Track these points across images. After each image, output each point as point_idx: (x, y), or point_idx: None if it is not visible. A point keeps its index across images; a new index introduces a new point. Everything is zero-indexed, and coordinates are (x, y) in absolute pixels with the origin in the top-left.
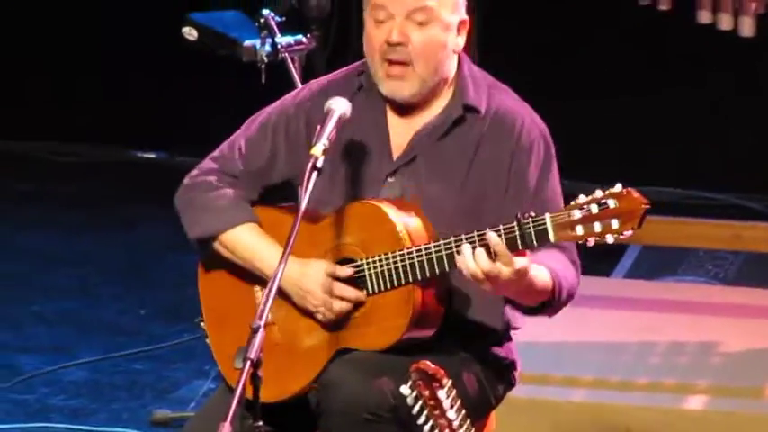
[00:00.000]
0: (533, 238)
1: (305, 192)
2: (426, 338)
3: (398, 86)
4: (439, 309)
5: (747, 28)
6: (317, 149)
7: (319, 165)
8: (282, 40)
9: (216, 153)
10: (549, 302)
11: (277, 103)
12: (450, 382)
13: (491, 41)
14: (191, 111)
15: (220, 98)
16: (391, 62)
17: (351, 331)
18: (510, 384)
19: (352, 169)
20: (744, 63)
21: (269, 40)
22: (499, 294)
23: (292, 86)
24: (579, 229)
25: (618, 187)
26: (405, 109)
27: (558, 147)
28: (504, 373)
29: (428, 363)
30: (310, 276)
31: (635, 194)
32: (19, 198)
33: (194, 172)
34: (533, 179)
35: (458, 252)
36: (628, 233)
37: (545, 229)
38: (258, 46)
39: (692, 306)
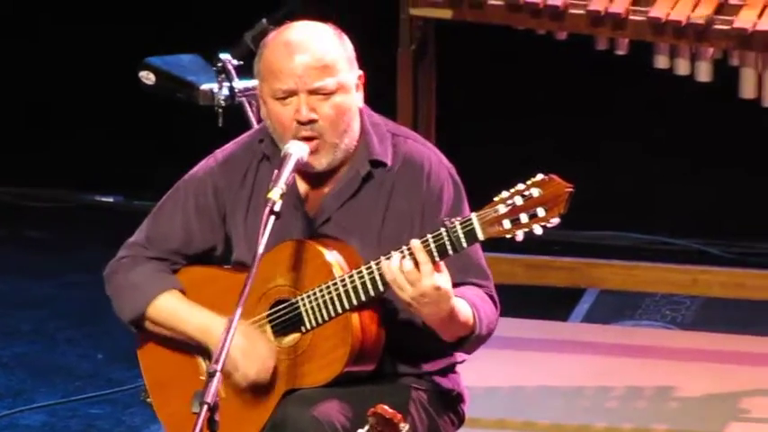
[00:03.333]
0: (462, 239)
1: (261, 236)
2: (369, 372)
3: (313, 160)
4: (378, 336)
5: (704, 73)
6: (275, 194)
7: (277, 209)
8: (240, 84)
9: (132, 239)
10: (468, 337)
11: (183, 181)
12: (407, 426)
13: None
14: (147, 154)
15: (178, 142)
16: (302, 138)
17: (295, 371)
18: (459, 417)
19: (273, 234)
20: (704, 111)
21: (226, 84)
22: (423, 318)
23: (249, 130)
24: (506, 224)
25: (539, 176)
26: (316, 174)
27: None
28: (451, 405)
29: (385, 407)
30: (255, 354)
31: (557, 180)
32: None
33: (114, 259)
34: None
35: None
36: (555, 221)
37: (473, 229)
38: (215, 90)
39: (650, 350)
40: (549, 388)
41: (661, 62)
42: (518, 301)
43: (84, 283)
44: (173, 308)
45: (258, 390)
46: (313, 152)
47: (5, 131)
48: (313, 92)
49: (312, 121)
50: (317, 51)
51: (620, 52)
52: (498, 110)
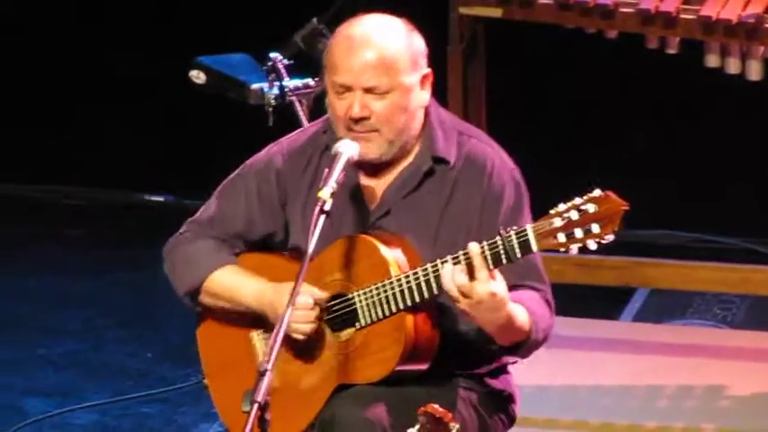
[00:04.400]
0: (516, 249)
1: (311, 235)
2: (421, 372)
3: (366, 149)
4: (431, 338)
5: (755, 72)
6: (325, 192)
7: (327, 208)
8: (290, 83)
9: (195, 217)
10: (523, 342)
11: (248, 165)
12: (457, 426)
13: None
14: (198, 154)
15: (228, 141)
16: (355, 133)
17: (347, 366)
18: (510, 418)
19: (331, 225)
20: (753, 109)
21: (276, 83)
22: (479, 324)
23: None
24: (561, 237)
25: (596, 192)
26: (375, 165)
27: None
28: (502, 405)
29: (435, 406)
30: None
31: (613, 197)
32: (24, 240)
33: (174, 235)
34: (505, 223)
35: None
36: (609, 237)
37: (527, 240)
38: (266, 89)
39: (700, 349)
40: (600, 387)
41: (712, 61)
42: (569, 300)
43: (133, 281)
44: (230, 279)
45: (309, 382)
46: (365, 141)
47: (54, 129)
48: (368, 90)
49: (363, 119)
50: (377, 49)
51: (671, 51)
52: (547, 108)
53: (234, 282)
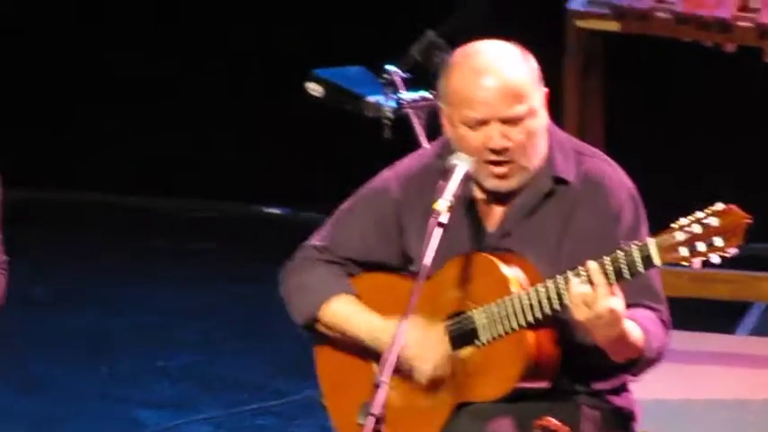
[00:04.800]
0: (638, 264)
1: (426, 247)
2: (543, 389)
3: (504, 183)
4: (553, 355)
5: None
6: (441, 205)
7: (443, 220)
8: (407, 95)
9: (310, 241)
10: (637, 360)
11: (363, 191)
12: None
13: None
14: (315, 167)
15: (344, 154)
16: (494, 163)
17: (467, 384)
18: None
19: (447, 242)
20: None
21: (393, 96)
22: (595, 339)
23: (416, 142)
24: (683, 251)
25: (719, 205)
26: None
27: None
28: (623, 423)
29: (551, 419)
30: (428, 344)
31: (736, 210)
32: (146, 253)
33: (290, 260)
34: (624, 241)
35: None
36: (733, 251)
37: (649, 254)
38: (382, 102)
39: None
40: (716, 401)
41: None
42: (684, 313)
43: (251, 294)
44: (344, 311)
45: (429, 401)
46: (503, 177)
47: (172, 145)
48: (505, 120)
49: (505, 149)
50: (507, 77)
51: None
52: (665, 122)
53: (347, 315)
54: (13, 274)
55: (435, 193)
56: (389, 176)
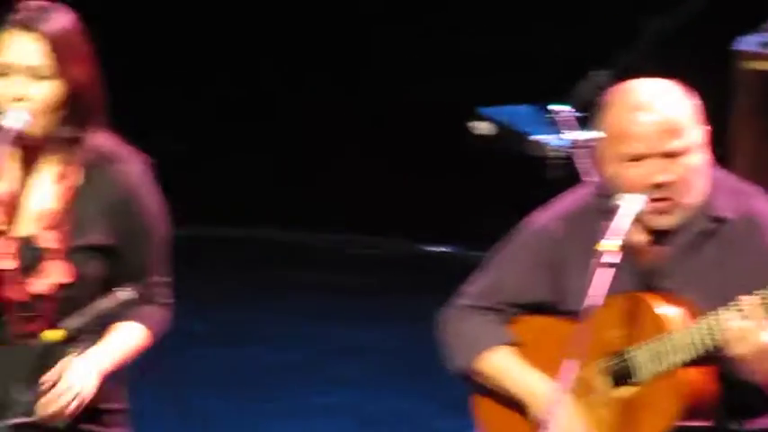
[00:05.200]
0: None
1: (588, 288)
2: (703, 427)
3: (664, 220)
4: (712, 392)
5: None
6: (609, 245)
7: (614, 260)
8: (571, 135)
9: (466, 288)
10: None
11: (521, 232)
12: None
13: None
14: (481, 206)
15: (508, 193)
16: (654, 199)
17: (626, 423)
18: None
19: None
20: None
21: (558, 136)
22: (757, 374)
23: (579, 182)
24: None
25: None
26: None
27: None
28: None
29: None
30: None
31: None
32: (307, 289)
33: (447, 308)
34: None
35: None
36: None
37: None
38: (546, 141)
39: None
40: None
41: None
42: None
43: (411, 332)
44: (499, 365)
45: None
46: (664, 213)
47: (337, 181)
48: (664, 155)
49: (665, 185)
50: (666, 113)
51: None
52: None
53: (502, 369)
54: (175, 310)
55: (598, 233)
56: (546, 216)
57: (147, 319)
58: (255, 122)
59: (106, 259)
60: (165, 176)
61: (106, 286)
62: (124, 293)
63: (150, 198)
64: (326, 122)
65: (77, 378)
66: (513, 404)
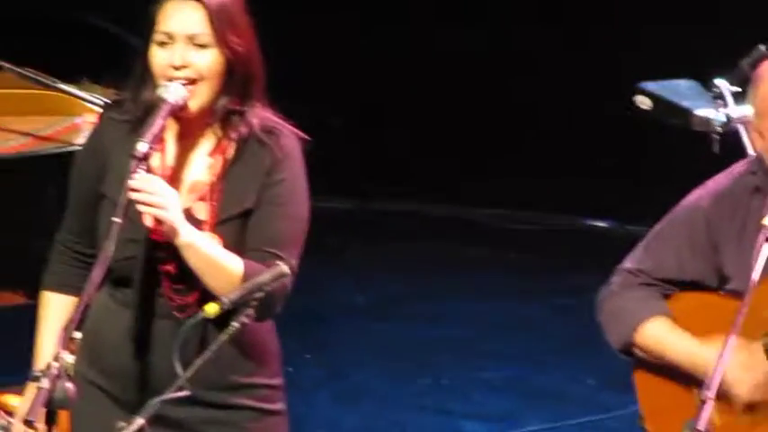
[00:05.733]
0: None
1: (755, 262)
2: None
3: None
4: None
5: None
6: None
7: None
8: (736, 110)
9: (624, 265)
10: None
11: (675, 211)
12: None
13: None
14: (641, 179)
15: (672, 167)
16: None
17: None
18: None
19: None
20: None
21: (723, 110)
22: None
23: (744, 158)
24: None
25: None
26: None
27: None
28: None
29: None
30: (746, 368)
31: None
32: (469, 264)
33: (605, 285)
34: None
35: None
36: None
37: None
38: (711, 116)
39: None
40: None
41: None
42: None
43: (574, 306)
44: (659, 335)
45: (750, 418)
46: None
47: (498, 155)
48: None
49: None
50: None
51: None
52: None
53: (663, 339)
54: (336, 283)
55: (755, 211)
56: (701, 194)
57: (250, 265)
58: (418, 96)
59: (245, 227)
60: (328, 149)
61: (239, 254)
62: (283, 267)
63: (294, 172)
64: (491, 101)
65: None
66: (675, 376)
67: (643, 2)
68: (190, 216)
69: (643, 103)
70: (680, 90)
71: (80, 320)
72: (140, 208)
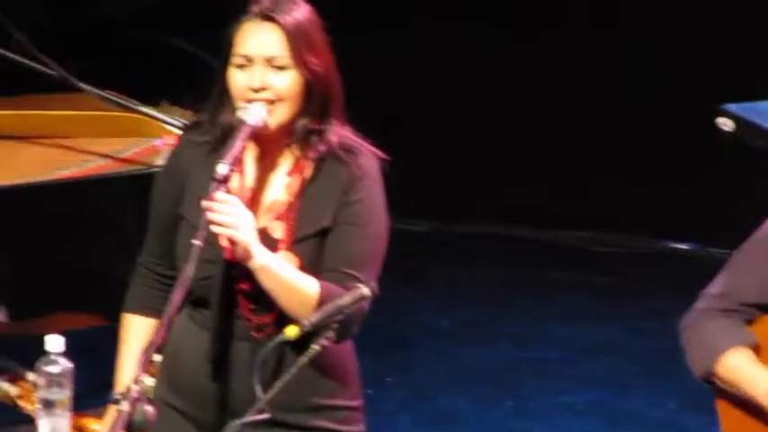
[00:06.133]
0: None
1: None
2: None
3: None
4: None
5: None
6: None
7: None
8: None
9: (708, 290)
10: None
11: (756, 234)
12: None
13: None
14: (724, 201)
15: (756, 189)
16: None
17: None
18: None
19: None
20: None
21: None
22: None
23: None
24: None
25: None
26: None
27: None
28: None
29: None
30: None
31: None
32: (553, 287)
33: (688, 311)
34: None
35: None
36: None
37: None
38: None
39: None
40: None
41: None
42: None
43: (656, 329)
44: (738, 368)
45: None
46: None
47: (582, 179)
48: None
49: None
50: None
51: None
52: None
53: (741, 371)
54: (418, 306)
55: None
56: None
57: (327, 287)
58: (503, 119)
59: (322, 246)
60: (409, 172)
61: (315, 274)
62: (363, 290)
63: (372, 192)
64: (564, 122)
65: None
66: (757, 410)
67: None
68: (266, 236)
69: (725, 124)
70: (763, 111)
71: (161, 343)
72: (215, 229)
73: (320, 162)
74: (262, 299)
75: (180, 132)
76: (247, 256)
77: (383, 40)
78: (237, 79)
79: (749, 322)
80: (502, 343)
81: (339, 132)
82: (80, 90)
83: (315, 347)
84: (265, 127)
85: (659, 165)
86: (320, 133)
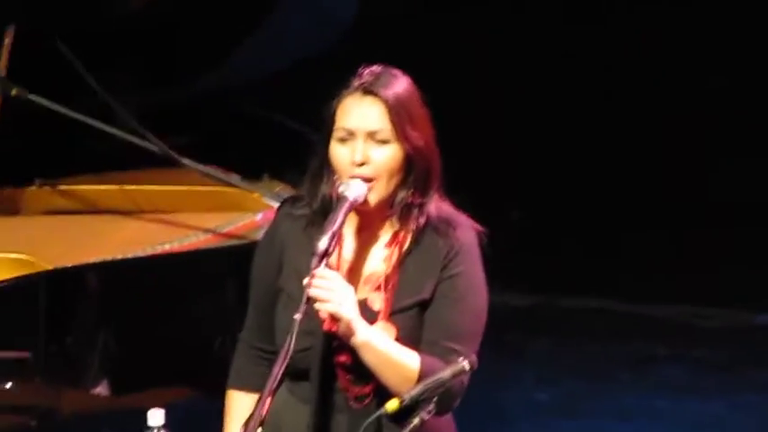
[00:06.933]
0: None
1: None
2: None
3: None
4: None
5: None
6: None
7: None
8: None
9: None
10: None
11: None
12: None
13: None
14: None
15: None
16: None
17: None
18: None
19: None
20: None
21: None
22: None
23: None
24: None
25: None
26: None
27: None
28: None
29: None
30: None
31: None
32: (652, 360)
33: None
34: None
35: None
36: None
37: None
38: None
39: None
40: None
41: None
42: None
43: (757, 403)
44: None
45: None
46: None
47: (679, 253)
48: None
49: None
50: None
51: None
52: None
53: None
54: (517, 380)
55: None
56: None
57: (427, 360)
58: (602, 194)
59: (421, 318)
60: (509, 245)
61: (411, 345)
62: (464, 364)
63: (471, 265)
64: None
65: None
66: None
67: None
68: (366, 307)
69: None
70: None
71: (263, 416)
72: (317, 306)
73: (419, 234)
74: (361, 370)
75: (278, 206)
76: (350, 332)
77: (484, 116)
78: (339, 153)
79: None
80: (603, 418)
81: (438, 204)
82: (182, 165)
83: (415, 421)
84: (365, 203)
85: (757, 237)
86: (420, 206)
